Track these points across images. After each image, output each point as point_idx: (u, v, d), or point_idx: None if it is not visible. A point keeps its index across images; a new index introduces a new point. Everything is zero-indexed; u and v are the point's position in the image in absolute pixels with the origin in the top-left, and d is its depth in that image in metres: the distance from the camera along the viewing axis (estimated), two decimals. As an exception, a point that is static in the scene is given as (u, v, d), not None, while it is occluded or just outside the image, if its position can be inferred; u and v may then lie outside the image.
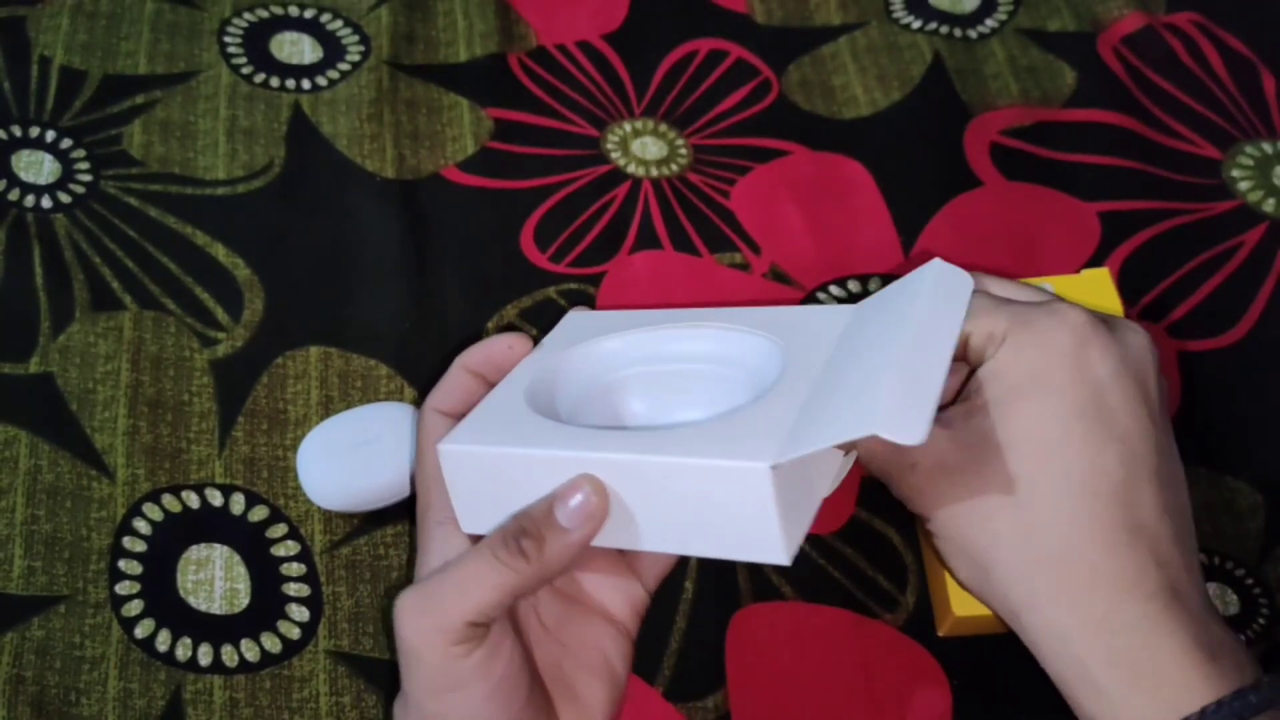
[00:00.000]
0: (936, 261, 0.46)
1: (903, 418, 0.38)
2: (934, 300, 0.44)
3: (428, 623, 0.41)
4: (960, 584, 0.47)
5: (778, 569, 0.60)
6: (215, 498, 0.60)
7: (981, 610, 0.56)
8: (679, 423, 0.49)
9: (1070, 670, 0.41)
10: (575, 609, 0.46)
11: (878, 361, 0.42)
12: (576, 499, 0.40)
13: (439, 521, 0.46)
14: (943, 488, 0.44)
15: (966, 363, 0.48)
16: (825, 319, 0.49)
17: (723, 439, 0.41)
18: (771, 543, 0.41)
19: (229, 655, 0.56)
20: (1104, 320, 0.47)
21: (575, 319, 0.55)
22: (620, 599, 0.47)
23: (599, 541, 0.42)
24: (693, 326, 0.51)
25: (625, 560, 0.48)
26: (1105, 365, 0.43)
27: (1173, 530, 0.42)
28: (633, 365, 0.51)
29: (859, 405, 0.39)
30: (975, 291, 0.47)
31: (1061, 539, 0.42)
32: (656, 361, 0.51)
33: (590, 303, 0.68)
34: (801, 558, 0.60)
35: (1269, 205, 0.73)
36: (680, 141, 0.74)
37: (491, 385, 0.50)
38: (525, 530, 0.41)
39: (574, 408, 0.49)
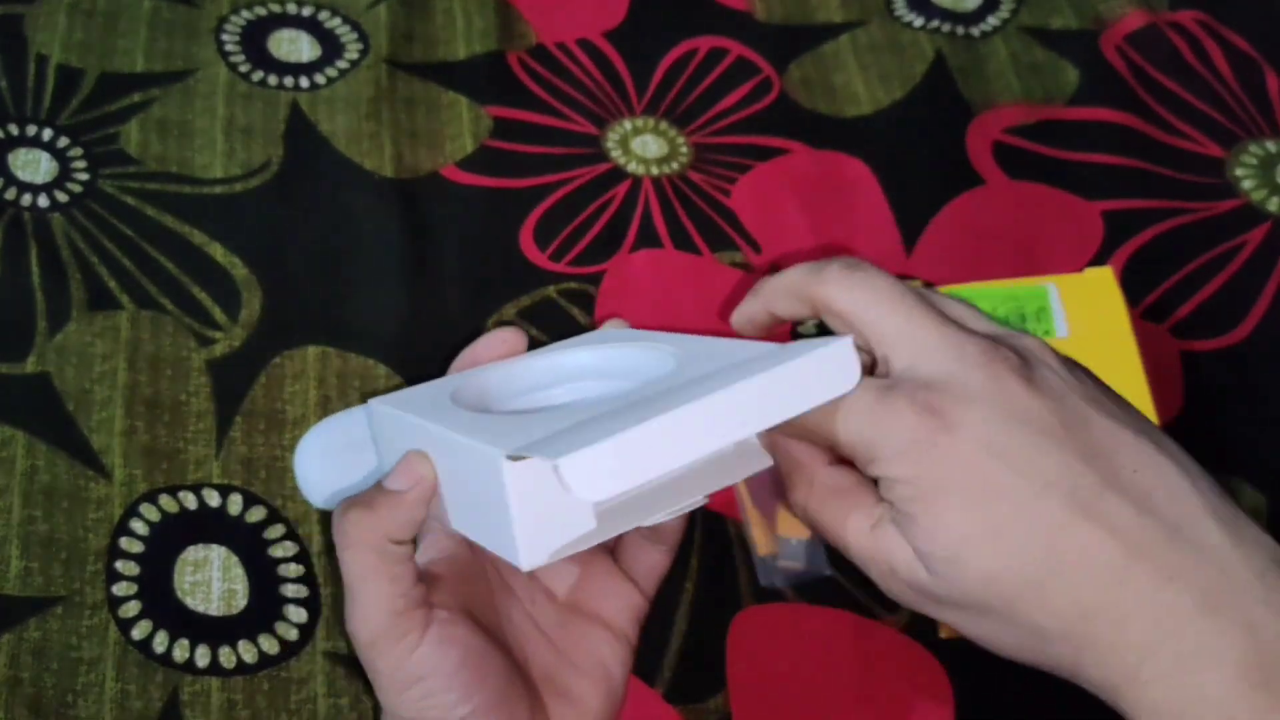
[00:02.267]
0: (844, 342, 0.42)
1: (583, 467, 0.35)
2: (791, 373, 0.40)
3: (363, 636, 0.43)
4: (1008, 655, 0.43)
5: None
6: (213, 498, 0.60)
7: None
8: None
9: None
10: (573, 617, 0.47)
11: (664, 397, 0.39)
12: (405, 464, 0.44)
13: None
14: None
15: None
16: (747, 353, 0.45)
17: (507, 427, 0.41)
18: (510, 540, 0.39)
19: (226, 657, 0.56)
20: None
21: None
22: (618, 606, 0.48)
23: (447, 522, 0.44)
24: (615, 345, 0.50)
25: (621, 569, 0.49)
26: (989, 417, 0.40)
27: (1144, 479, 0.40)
28: (544, 385, 0.51)
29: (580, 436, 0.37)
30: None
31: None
32: (565, 379, 0.50)
33: (589, 302, 0.67)
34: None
35: (1272, 204, 0.72)
36: (681, 140, 0.74)
37: None
38: (361, 501, 0.45)
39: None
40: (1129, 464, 0.39)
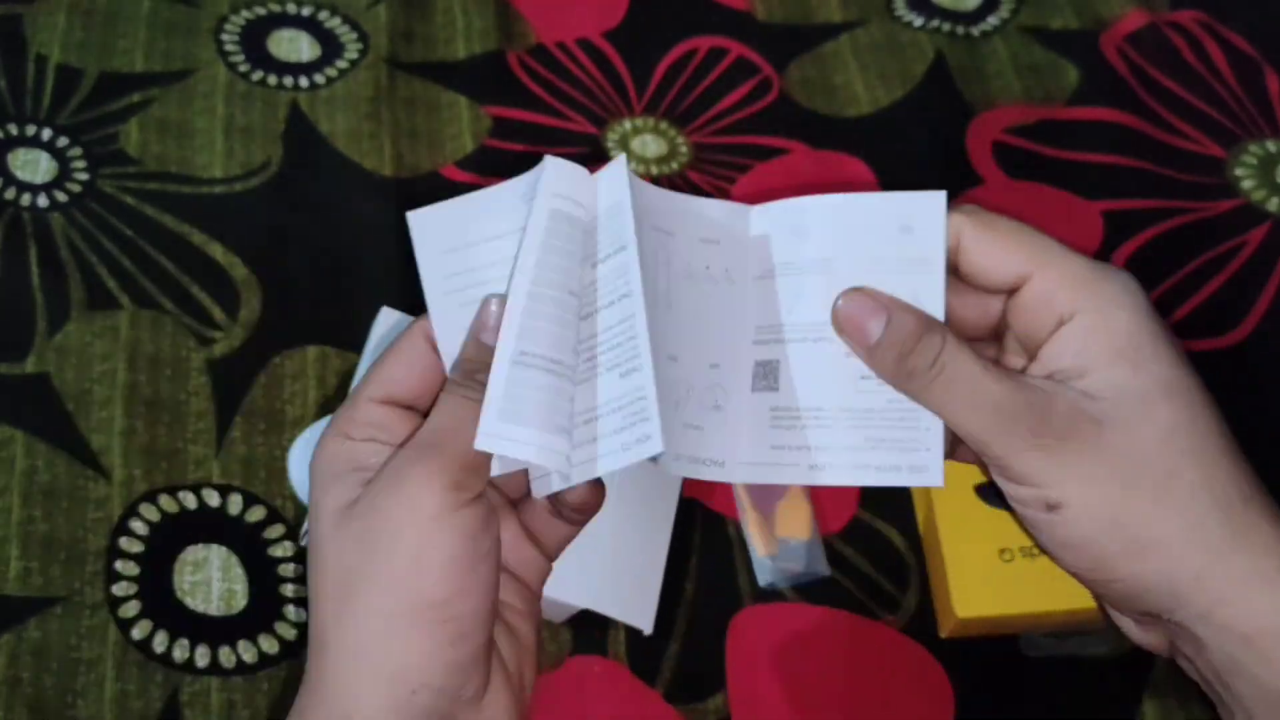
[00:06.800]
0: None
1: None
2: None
3: (424, 469, 0.39)
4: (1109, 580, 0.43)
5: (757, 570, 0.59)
6: (212, 498, 0.60)
7: (984, 612, 0.56)
8: None
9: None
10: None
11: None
12: (491, 311, 0.42)
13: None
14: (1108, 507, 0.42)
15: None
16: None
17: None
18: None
19: (226, 656, 0.56)
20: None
21: None
22: (526, 564, 0.47)
23: None
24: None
25: (528, 532, 0.47)
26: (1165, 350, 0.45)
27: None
28: None
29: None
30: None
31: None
32: None
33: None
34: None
35: (1272, 204, 0.72)
36: (680, 139, 0.74)
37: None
38: (473, 364, 0.42)
39: None
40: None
